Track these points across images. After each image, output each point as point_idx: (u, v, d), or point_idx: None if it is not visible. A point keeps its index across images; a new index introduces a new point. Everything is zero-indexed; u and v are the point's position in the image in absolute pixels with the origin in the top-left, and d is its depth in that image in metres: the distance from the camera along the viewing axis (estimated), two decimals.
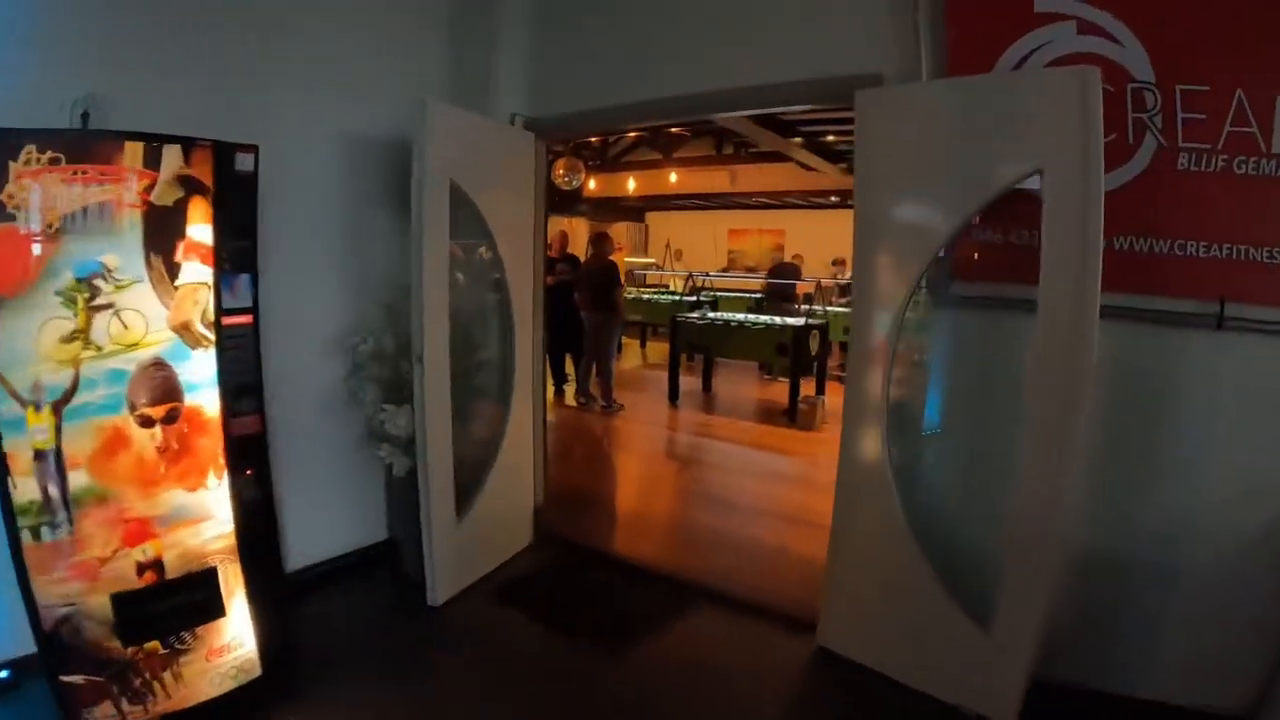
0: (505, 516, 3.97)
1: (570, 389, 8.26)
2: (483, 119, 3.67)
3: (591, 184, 14.34)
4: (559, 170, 10.36)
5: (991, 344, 2.86)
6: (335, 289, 3.61)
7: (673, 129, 11.33)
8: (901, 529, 2.88)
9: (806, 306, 9.38)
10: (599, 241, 7.95)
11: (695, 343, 8.37)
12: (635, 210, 19.30)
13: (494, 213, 3.58)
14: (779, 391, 8.97)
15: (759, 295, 12.00)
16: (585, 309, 7.71)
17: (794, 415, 7.44)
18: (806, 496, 5.12)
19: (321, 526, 3.68)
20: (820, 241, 15.08)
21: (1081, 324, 2.40)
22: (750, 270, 16.13)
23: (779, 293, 10.43)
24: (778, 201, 16.69)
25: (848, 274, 13.49)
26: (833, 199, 15.59)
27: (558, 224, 11.10)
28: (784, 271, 11.05)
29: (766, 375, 9.80)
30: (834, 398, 8.46)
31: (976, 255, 2.84)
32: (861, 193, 2.88)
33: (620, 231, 19.09)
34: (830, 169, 11.18)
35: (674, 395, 8.25)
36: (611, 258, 8.19)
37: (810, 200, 16.23)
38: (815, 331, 7.93)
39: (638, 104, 3.62)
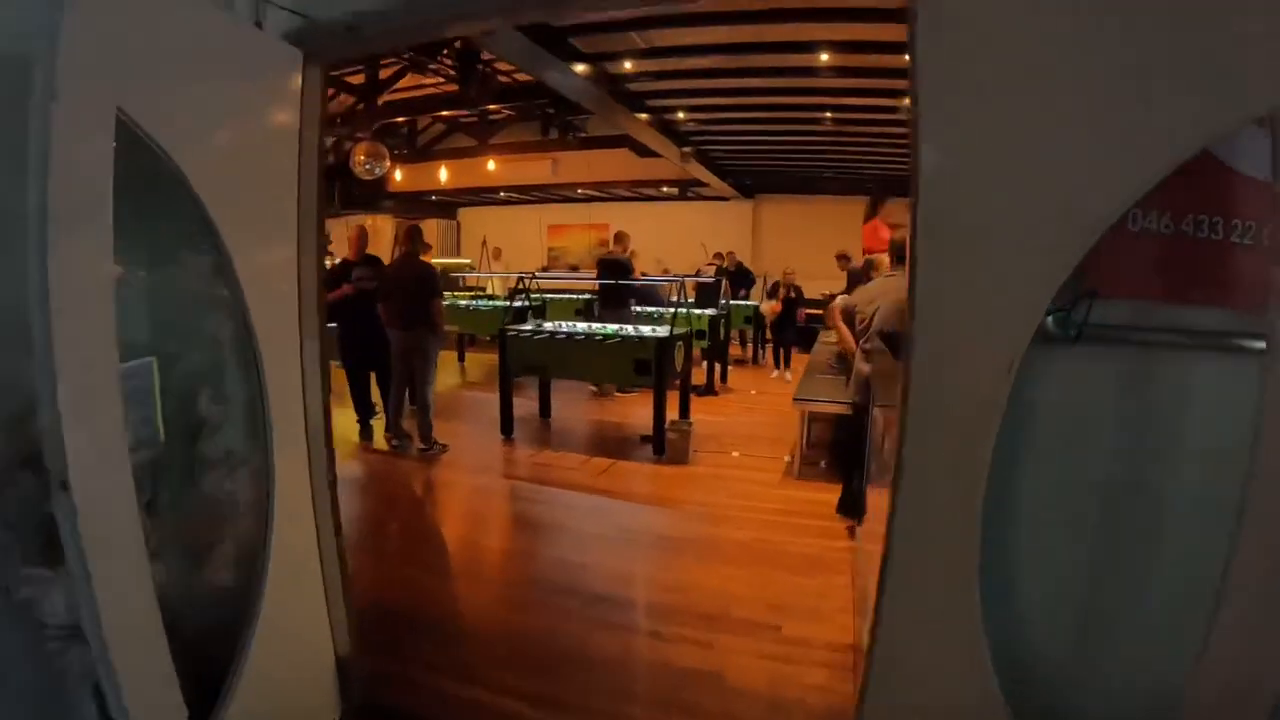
0: (287, 696, 2.37)
1: (379, 425, 6.54)
2: (197, 5, 1.99)
3: (398, 175, 12.52)
4: (359, 157, 8.60)
5: (1154, 402, 1.66)
6: None
7: (494, 108, 9.82)
8: (995, 702, 1.65)
9: (659, 310, 8.15)
10: (410, 239, 6.27)
11: (531, 363, 6.82)
12: (447, 206, 17.54)
13: (217, 183, 1.93)
14: (629, 412, 7.72)
15: (589, 296, 10.63)
16: (394, 326, 6.04)
17: (661, 446, 6.17)
18: (718, 575, 3.83)
19: None
20: (650, 237, 14.04)
21: None
22: (573, 269, 14.83)
23: (614, 295, 8.71)
24: (603, 193, 15.56)
25: (709, 268, 12.76)
26: (664, 189, 14.66)
27: (360, 221, 9.32)
28: (613, 268, 8.78)
29: (619, 392, 8.47)
30: (700, 416, 7.33)
31: (1130, 258, 1.64)
32: (932, 153, 1.58)
33: (430, 229, 17.26)
34: (673, 152, 10.07)
35: (507, 426, 6.70)
36: (425, 259, 6.58)
37: (639, 191, 15.24)
38: (679, 343, 6.66)
39: None
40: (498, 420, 6.71)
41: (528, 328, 7.04)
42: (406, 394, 6.23)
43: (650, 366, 6.24)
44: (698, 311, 9.21)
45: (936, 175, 1.57)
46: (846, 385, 4.63)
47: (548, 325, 7.29)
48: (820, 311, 10.64)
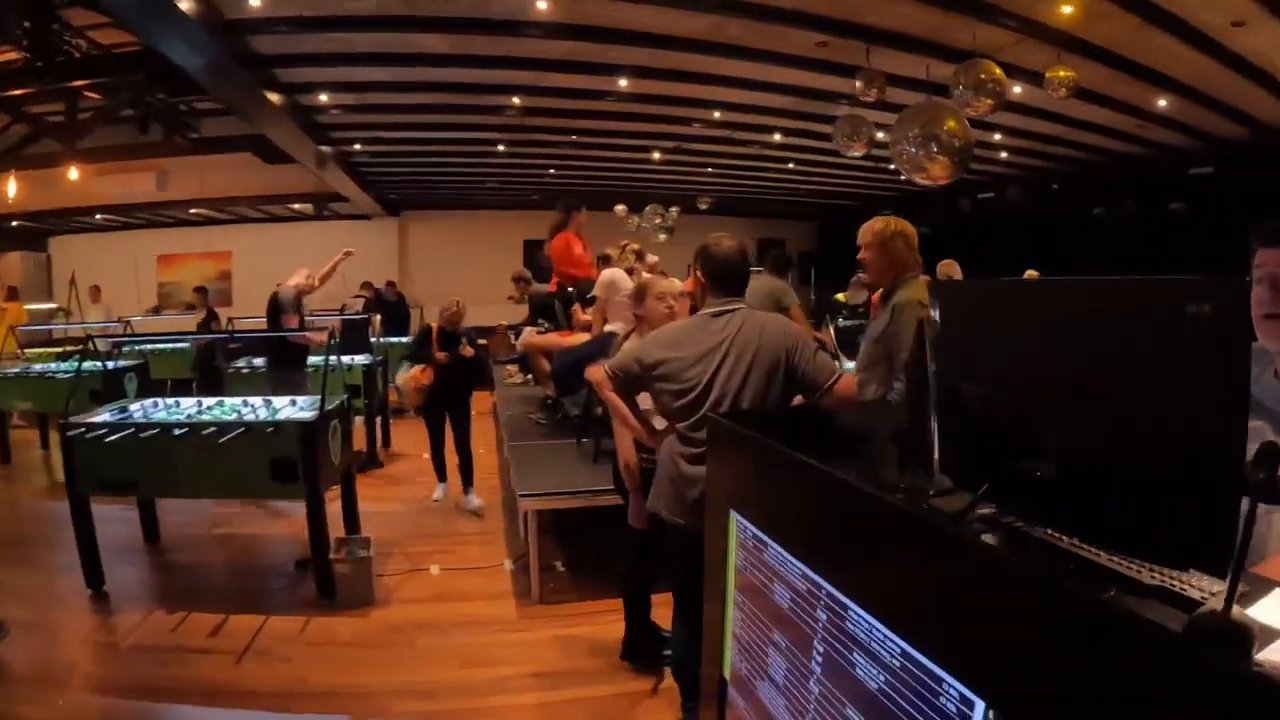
0: None
1: None
2: None
3: None
4: None
5: None
6: None
7: (78, 85, 6.93)
8: None
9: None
10: None
11: (113, 476, 4.31)
12: (34, 234, 13.33)
13: None
14: (270, 519, 5.68)
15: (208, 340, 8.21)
16: None
17: (329, 587, 4.21)
18: None
19: None
20: (280, 265, 11.52)
21: None
22: (191, 308, 11.70)
23: (281, 354, 6.32)
24: (223, 213, 12.72)
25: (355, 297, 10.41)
26: (296, 207, 12.26)
27: None
28: (269, 309, 6.40)
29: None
30: (370, 506, 5.29)
31: None
32: None
33: (12, 265, 13.03)
34: (310, 151, 8.04)
35: (94, 573, 4.30)
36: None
37: (265, 210, 12.65)
38: (335, 423, 4.61)
39: None
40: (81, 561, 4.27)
41: (104, 418, 4.51)
42: None
43: (296, 468, 4.15)
44: (346, 360, 7.18)
45: None
46: (628, 466, 3.17)
47: (135, 409, 4.81)
48: (485, 342, 9.17)
